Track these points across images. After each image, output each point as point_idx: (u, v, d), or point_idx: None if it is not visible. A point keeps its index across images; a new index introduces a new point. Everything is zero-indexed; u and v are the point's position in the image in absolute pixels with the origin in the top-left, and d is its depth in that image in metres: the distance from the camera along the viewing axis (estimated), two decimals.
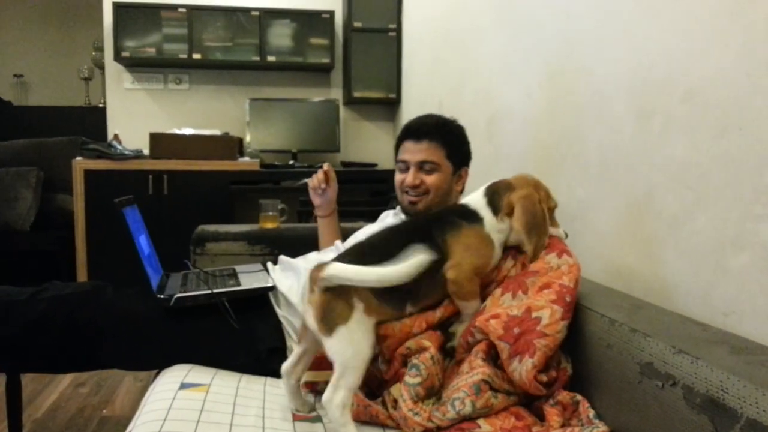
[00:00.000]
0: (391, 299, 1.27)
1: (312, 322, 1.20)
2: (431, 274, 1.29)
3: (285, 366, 1.31)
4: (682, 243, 1.31)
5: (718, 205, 1.20)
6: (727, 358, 0.94)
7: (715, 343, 1.01)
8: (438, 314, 1.34)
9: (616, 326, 1.14)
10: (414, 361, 1.26)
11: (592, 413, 1.15)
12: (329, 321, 1.18)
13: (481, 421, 1.16)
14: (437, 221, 1.38)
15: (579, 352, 1.25)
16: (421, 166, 1.63)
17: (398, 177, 1.69)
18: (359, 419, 1.26)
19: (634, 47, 1.48)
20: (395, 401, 1.25)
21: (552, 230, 1.39)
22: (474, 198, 1.42)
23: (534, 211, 1.35)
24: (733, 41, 1.16)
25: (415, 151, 1.64)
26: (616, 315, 1.18)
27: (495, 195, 1.39)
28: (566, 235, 1.44)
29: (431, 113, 1.72)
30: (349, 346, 1.18)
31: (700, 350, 0.97)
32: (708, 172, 1.23)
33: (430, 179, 1.63)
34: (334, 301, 1.18)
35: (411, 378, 1.24)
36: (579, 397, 1.20)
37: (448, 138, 1.66)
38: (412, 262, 1.18)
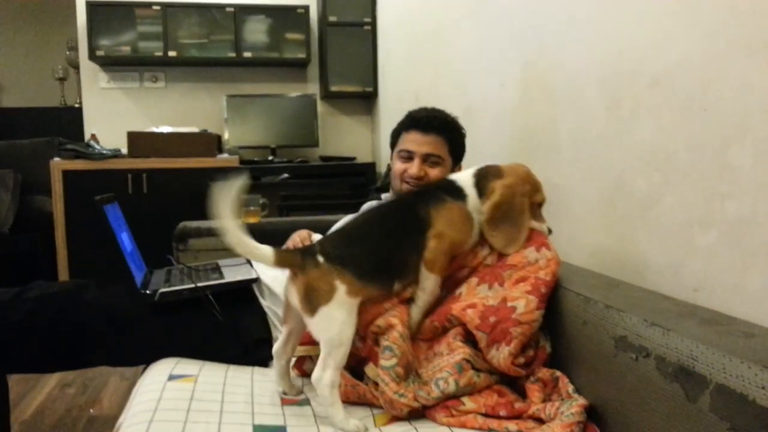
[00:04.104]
0: (377, 278, 1.30)
1: (296, 302, 1.24)
2: (418, 250, 1.33)
3: (276, 347, 1.33)
4: (652, 223, 1.36)
5: (686, 185, 1.25)
6: (696, 329, 0.99)
7: (685, 316, 1.06)
8: (411, 290, 1.36)
9: (592, 303, 1.18)
10: (385, 342, 1.26)
11: (571, 388, 1.20)
12: (312, 301, 1.21)
13: (465, 399, 1.20)
14: (423, 195, 1.41)
15: (557, 330, 1.29)
16: (426, 158, 1.65)
17: (399, 166, 1.69)
18: (348, 399, 1.28)
19: (603, 37, 1.52)
20: (375, 384, 1.28)
21: (535, 224, 1.41)
22: (463, 176, 1.43)
23: (511, 201, 1.37)
24: (697, 28, 1.21)
25: (422, 143, 1.65)
26: (592, 293, 1.22)
27: (483, 179, 1.41)
28: (550, 231, 1.44)
29: (435, 107, 1.73)
30: (333, 325, 1.20)
31: (671, 323, 1.01)
32: (675, 153, 1.28)
33: (434, 172, 1.65)
34: (317, 282, 1.22)
35: (386, 360, 1.24)
36: (558, 373, 1.25)
37: (453, 134, 1.69)
38: (259, 251, 1.21)
